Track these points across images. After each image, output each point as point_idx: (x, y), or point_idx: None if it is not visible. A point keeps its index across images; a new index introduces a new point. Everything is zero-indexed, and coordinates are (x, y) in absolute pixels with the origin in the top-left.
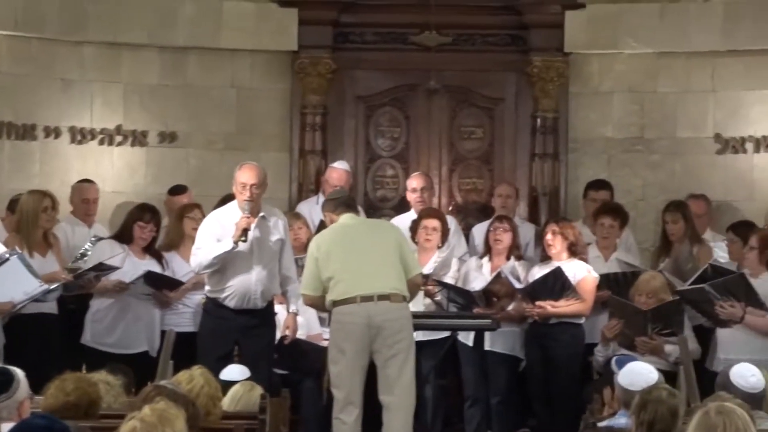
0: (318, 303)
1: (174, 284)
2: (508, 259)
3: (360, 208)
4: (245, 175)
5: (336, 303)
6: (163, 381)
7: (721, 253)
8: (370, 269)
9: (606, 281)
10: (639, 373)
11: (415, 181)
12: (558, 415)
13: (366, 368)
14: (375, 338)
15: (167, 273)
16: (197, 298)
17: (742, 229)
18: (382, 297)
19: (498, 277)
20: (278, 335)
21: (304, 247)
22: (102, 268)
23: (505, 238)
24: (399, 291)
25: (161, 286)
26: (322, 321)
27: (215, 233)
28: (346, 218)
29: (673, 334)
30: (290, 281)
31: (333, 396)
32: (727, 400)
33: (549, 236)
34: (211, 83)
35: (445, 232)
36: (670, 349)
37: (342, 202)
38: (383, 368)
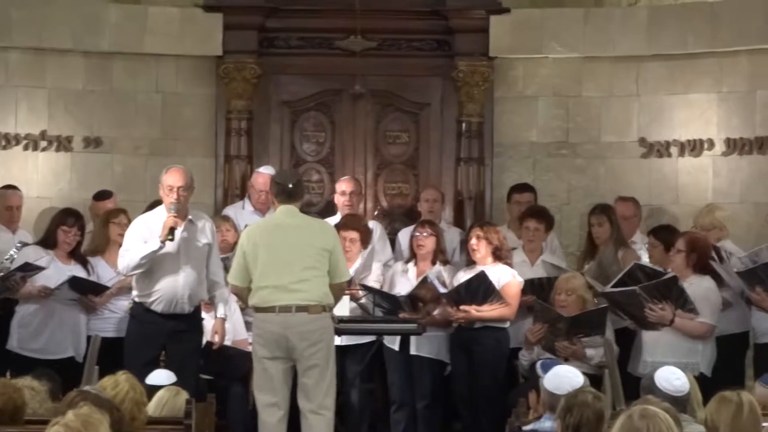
0: (244, 294)
1: (99, 289)
2: (433, 263)
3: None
4: (172, 178)
5: (257, 309)
6: (88, 386)
7: (645, 257)
8: (292, 278)
9: (530, 286)
10: (565, 377)
11: (344, 185)
12: (483, 419)
13: (290, 371)
14: (293, 349)
15: (92, 278)
16: (123, 303)
17: (663, 234)
18: (300, 308)
19: (424, 282)
20: (205, 341)
21: (232, 248)
22: (28, 269)
23: (428, 243)
24: (319, 302)
25: (86, 291)
26: (248, 326)
27: (143, 236)
28: (282, 212)
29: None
30: (217, 286)
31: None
32: (653, 403)
33: (473, 241)
34: (136, 88)
35: (364, 240)
36: (592, 353)
37: (284, 191)
38: (301, 376)
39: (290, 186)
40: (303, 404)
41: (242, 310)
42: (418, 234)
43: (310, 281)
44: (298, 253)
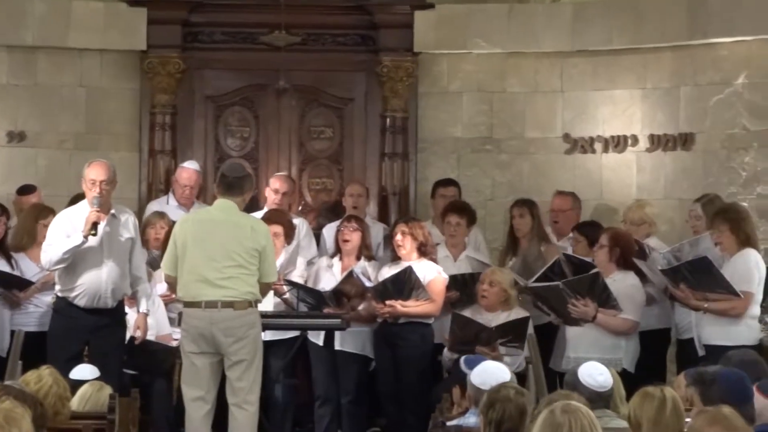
0: (174, 284)
1: (23, 284)
2: (358, 259)
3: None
4: (94, 172)
5: (184, 303)
6: (10, 381)
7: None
8: (220, 274)
9: (454, 282)
10: (492, 373)
11: (278, 183)
12: (408, 415)
13: (217, 366)
14: (219, 344)
15: (16, 273)
16: (46, 298)
17: (587, 229)
18: (226, 304)
19: (349, 277)
20: (128, 336)
21: (164, 247)
22: None
23: (354, 238)
24: (245, 297)
25: (10, 286)
26: (171, 321)
27: (65, 230)
28: (217, 206)
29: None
30: (140, 281)
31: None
32: (570, 398)
33: (399, 237)
34: (60, 83)
35: (288, 234)
36: (509, 360)
37: (224, 182)
38: (228, 371)
39: (231, 178)
40: (229, 398)
41: (167, 305)
42: (344, 228)
43: (237, 278)
44: (226, 251)
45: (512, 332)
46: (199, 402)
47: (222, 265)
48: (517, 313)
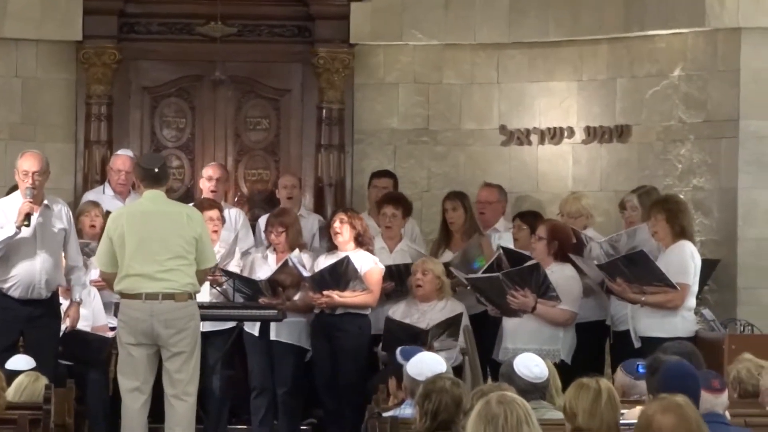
0: (111, 279)
1: None
2: (292, 249)
3: (169, 178)
4: (27, 163)
5: (123, 295)
6: None
7: (505, 242)
8: (159, 267)
9: (389, 273)
10: (427, 364)
11: (211, 170)
12: (344, 406)
13: (154, 357)
14: (159, 336)
15: None
16: None
17: (529, 218)
18: (167, 296)
19: (285, 266)
20: (63, 327)
21: (100, 235)
22: None
23: (281, 240)
24: (185, 289)
25: None
26: (107, 309)
27: None
28: (148, 197)
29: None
30: (75, 270)
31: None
32: (502, 389)
33: (337, 224)
34: None
35: (222, 220)
36: (446, 355)
37: (149, 175)
38: (166, 362)
39: (156, 170)
40: (167, 389)
41: (100, 292)
42: (270, 233)
43: (177, 270)
44: (165, 243)
45: (447, 329)
46: (136, 393)
47: (162, 258)
48: (452, 304)
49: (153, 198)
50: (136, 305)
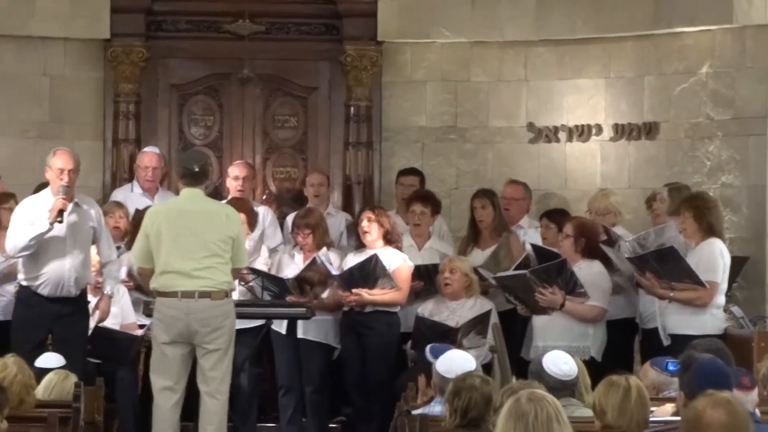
0: (147, 274)
1: None
2: (319, 248)
3: (209, 177)
4: (61, 160)
5: (159, 293)
6: None
7: (531, 240)
8: (196, 264)
9: (418, 273)
10: (457, 362)
11: (237, 170)
12: (373, 404)
13: (189, 356)
14: (195, 334)
15: None
16: (9, 288)
17: (556, 216)
18: (203, 294)
19: (312, 264)
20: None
21: (124, 236)
22: None
23: (308, 241)
24: (221, 287)
25: None
26: (136, 307)
27: (28, 218)
28: (186, 196)
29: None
30: (109, 265)
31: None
32: (531, 387)
33: (365, 223)
34: (23, 71)
35: (251, 222)
36: (475, 353)
37: (189, 173)
38: (201, 359)
39: (196, 169)
40: (201, 387)
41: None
42: (297, 235)
43: (214, 268)
44: (202, 241)
45: (476, 326)
46: (168, 392)
47: (199, 256)
48: (481, 301)
49: (191, 196)
50: (172, 303)
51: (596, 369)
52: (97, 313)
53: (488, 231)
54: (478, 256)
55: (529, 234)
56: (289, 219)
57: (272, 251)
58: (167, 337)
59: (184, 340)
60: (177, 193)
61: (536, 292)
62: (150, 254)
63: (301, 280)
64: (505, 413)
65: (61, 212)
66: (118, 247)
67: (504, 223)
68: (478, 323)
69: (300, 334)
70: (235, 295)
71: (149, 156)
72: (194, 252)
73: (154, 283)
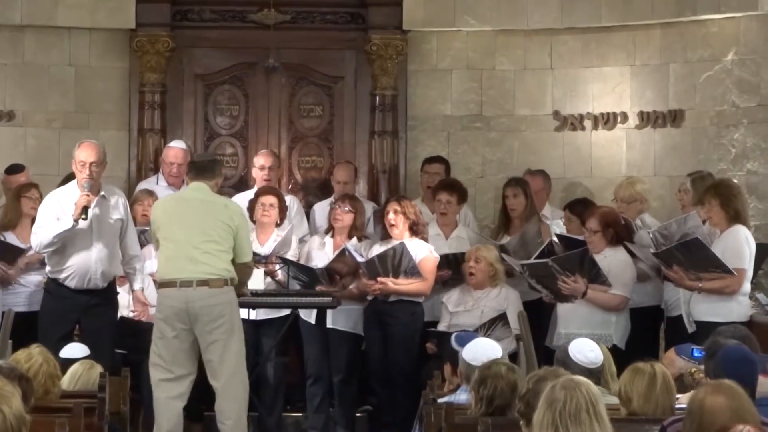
0: None
1: (16, 252)
2: (350, 237)
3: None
4: (84, 153)
5: (160, 284)
6: (1, 360)
7: (557, 230)
8: (194, 252)
9: (446, 261)
10: (483, 349)
11: (263, 159)
12: (398, 393)
13: (192, 348)
14: (194, 323)
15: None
16: (34, 278)
17: (578, 208)
18: (201, 282)
19: (342, 254)
20: (120, 315)
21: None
22: None
23: (345, 219)
24: (220, 275)
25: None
26: None
27: (55, 212)
28: (192, 188)
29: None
30: (135, 260)
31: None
32: (557, 374)
33: (391, 216)
34: (48, 61)
35: (282, 209)
36: (504, 345)
37: (195, 167)
38: (205, 353)
39: (201, 162)
40: (212, 383)
41: None
42: (336, 208)
43: (212, 255)
44: (200, 227)
45: (495, 324)
46: (165, 383)
47: (196, 241)
48: (506, 291)
49: (195, 188)
50: (170, 293)
51: (620, 356)
52: (138, 306)
53: (519, 219)
54: (509, 240)
55: (552, 226)
56: (317, 208)
57: (300, 240)
58: (166, 330)
59: (185, 331)
60: None
61: (559, 280)
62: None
63: (330, 271)
64: (542, 398)
65: (85, 209)
66: (143, 233)
67: (534, 212)
68: (496, 321)
69: (329, 324)
70: (261, 285)
71: (174, 152)
72: (191, 238)
73: (158, 274)
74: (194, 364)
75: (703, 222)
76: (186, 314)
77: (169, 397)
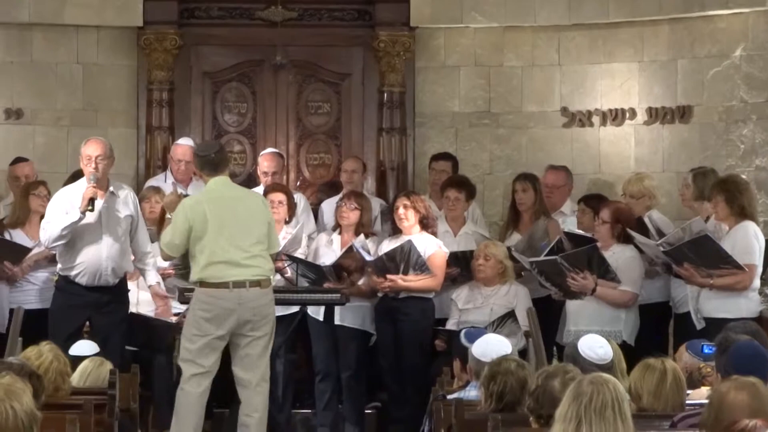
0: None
1: (22, 252)
2: (357, 234)
3: (229, 162)
4: (90, 148)
5: (206, 284)
6: (11, 357)
7: (569, 227)
8: (244, 253)
9: (454, 259)
10: (493, 345)
11: (266, 164)
12: (408, 389)
13: (220, 344)
14: (244, 324)
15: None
16: (42, 275)
17: (593, 201)
18: (254, 284)
19: (349, 251)
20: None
21: (158, 222)
22: None
23: (351, 217)
24: (268, 275)
25: (4, 255)
26: (171, 294)
27: (64, 208)
28: (218, 184)
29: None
30: (147, 256)
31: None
32: (566, 370)
33: (401, 210)
34: (56, 59)
35: (291, 206)
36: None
37: (209, 162)
38: (246, 347)
39: (213, 155)
40: (245, 375)
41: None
42: (342, 205)
43: (260, 256)
44: (247, 228)
45: (503, 321)
46: (198, 378)
47: (246, 244)
48: (515, 288)
49: (222, 184)
50: (222, 294)
51: (630, 353)
52: (158, 300)
53: (528, 215)
54: (517, 240)
55: (568, 222)
56: (324, 205)
57: (308, 238)
58: (210, 329)
59: (228, 332)
60: None
61: (568, 277)
62: (186, 244)
63: (338, 268)
64: (568, 392)
65: (92, 200)
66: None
67: (544, 208)
68: (505, 318)
69: (337, 321)
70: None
71: (182, 149)
72: (241, 240)
73: (201, 274)
74: (218, 360)
75: (706, 219)
76: (237, 315)
77: (199, 392)
